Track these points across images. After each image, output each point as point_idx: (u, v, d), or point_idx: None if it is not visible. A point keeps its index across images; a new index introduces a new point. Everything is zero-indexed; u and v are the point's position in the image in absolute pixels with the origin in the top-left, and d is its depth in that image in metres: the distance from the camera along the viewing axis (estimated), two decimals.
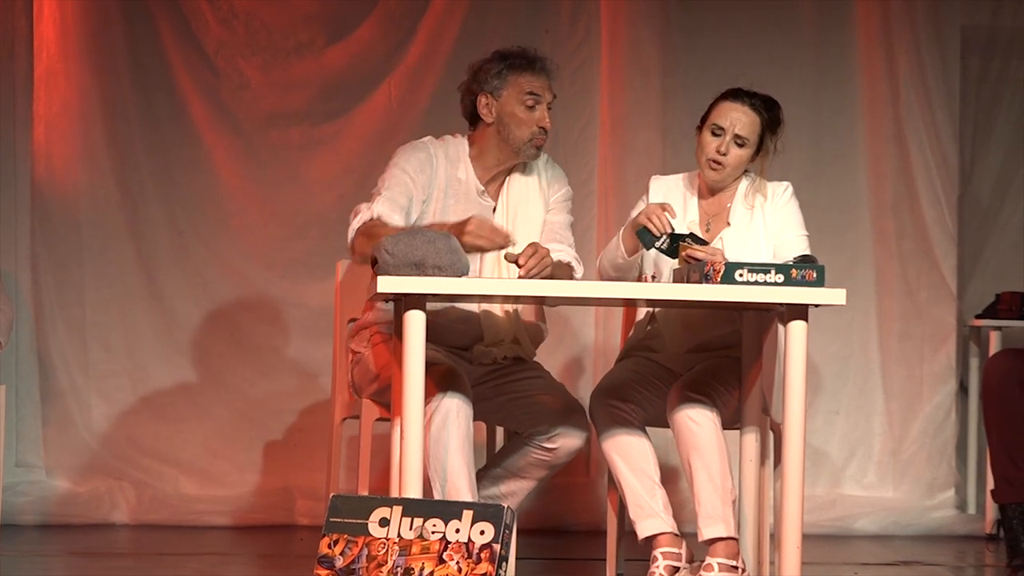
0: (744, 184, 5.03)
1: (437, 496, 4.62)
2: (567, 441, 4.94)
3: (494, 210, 5.00)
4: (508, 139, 4.94)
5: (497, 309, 4.98)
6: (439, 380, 4.67)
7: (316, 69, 7.01)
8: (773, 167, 5.07)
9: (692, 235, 4.73)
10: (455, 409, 4.65)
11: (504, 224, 4.96)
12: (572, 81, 7.02)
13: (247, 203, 6.99)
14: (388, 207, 4.83)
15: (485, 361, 5.02)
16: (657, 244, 4.70)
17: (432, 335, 4.84)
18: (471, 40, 6.93)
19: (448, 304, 4.90)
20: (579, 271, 5.04)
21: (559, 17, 7.03)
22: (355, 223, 4.82)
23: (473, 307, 4.96)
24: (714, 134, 4.96)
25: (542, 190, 5.06)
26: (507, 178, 5.04)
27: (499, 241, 4.63)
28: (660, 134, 7.00)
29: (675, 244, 4.68)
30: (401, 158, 4.97)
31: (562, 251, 5.00)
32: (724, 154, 4.93)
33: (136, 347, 6.91)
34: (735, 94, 4.98)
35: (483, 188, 5.00)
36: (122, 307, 6.91)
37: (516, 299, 4.85)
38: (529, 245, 4.69)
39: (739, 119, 4.93)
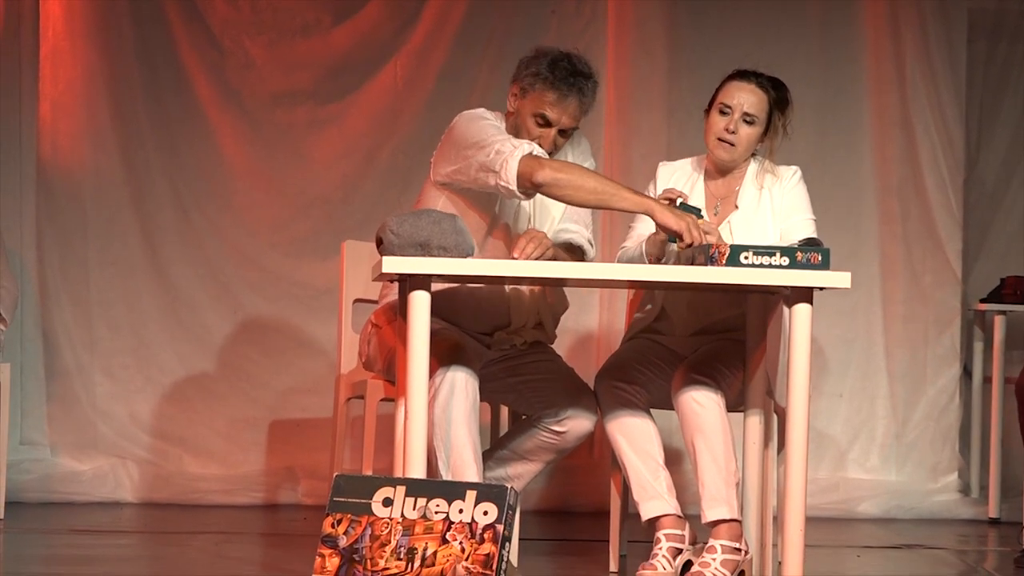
0: (753, 166, 5.03)
1: (441, 467, 4.61)
2: (576, 425, 4.93)
3: None
4: (517, 135, 4.89)
5: (524, 288, 4.96)
6: (445, 352, 4.66)
7: (322, 49, 7.00)
8: (779, 150, 5.07)
9: (684, 205, 4.70)
10: (461, 382, 4.64)
11: (531, 204, 4.93)
12: None
13: (252, 182, 6.99)
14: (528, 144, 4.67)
15: (504, 347, 5.03)
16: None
17: (456, 318, 4.85)
18: (477, 20, 6.93)
19: (475, 286, 4.89)
20: (591, 253, 5.03)
21: None
22: (516, 152, 4.59)
23: (500, 287, 4.94)
24: (722, 113, 4.95)
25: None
26: None
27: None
28: (665, 115, 6.99)
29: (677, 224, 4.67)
30: (482, 119, 4.80)
31: (577, 232, 4.99)
32: (733, 132, 4.93)
33: (141, 325, 6.92)
34: (742, 74, 4.98)
35: None
36: (127, 285, 6.92)
37: (522, 280, 4.85)
38: (526, 232, 4.69)
39: (747, 98, 4.92)
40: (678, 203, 4.71)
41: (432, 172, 4.91)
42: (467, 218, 4.70)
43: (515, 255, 4.63)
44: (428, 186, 4.95)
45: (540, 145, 4.77)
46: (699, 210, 4.73)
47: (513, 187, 4.60)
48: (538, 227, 4.94)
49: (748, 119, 4.94)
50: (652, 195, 5.04)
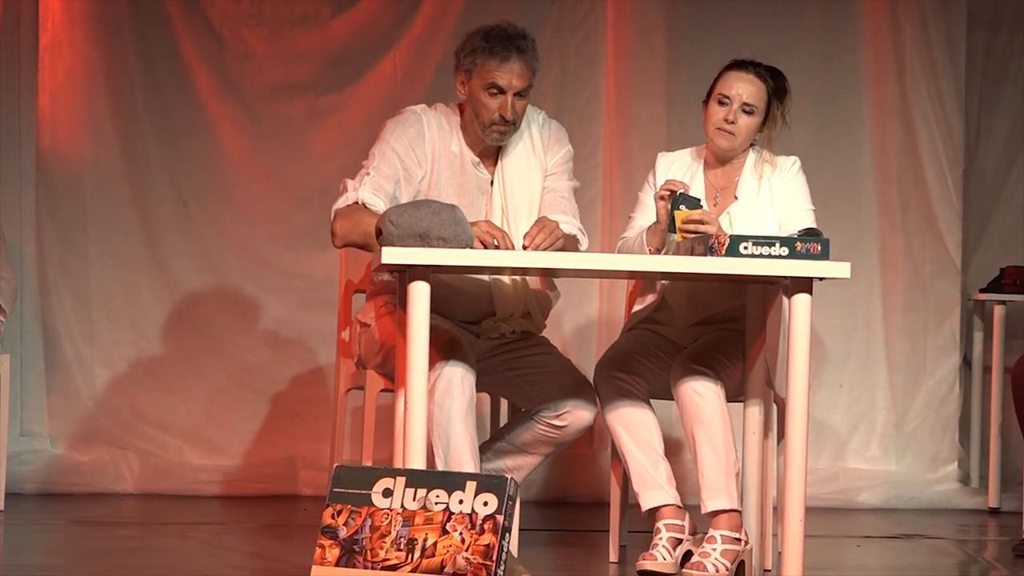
0: (752, 157, 5.03)
1: (439, 463, 4.61)
2: (576, 418, 4.92)
3: (491, 183, 4.97)
4: (475, 121, 4.90)
5: (506, 279, 4.96)
6: (442, 347, 4.66)
7: (321, 40, 7.00)
8: (778, 141, 5.07)
9: (683, 195, 4.70)
10: (458, 376, 4.64)
11: (502, 198, 4.94)
12: (577, 53, 7.01)
13: (251, 174, 6.99)
14: (372, 191, 4.80)
15: (492, 336, 5.01)
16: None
17: (441, 308, 4.84)
18: (476, 10, 6.92)
19: (458, 276, 4.89)
20: (584, 243, 5.01)
21: None
22: (338, 203, 4.82)
23: (484, 277, 4.94)
24: (721, 103, 4.95)
25: (537, 156, 5.00)
26: (501, 148, 5.00)
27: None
28: (665, 105, 6.99)
29: (671, 216, 4.67)
30: (392, 135, 4.91)
31: (568, 222, 4.95)
32: (732, 122, 4.93)
33: (140, 317, 6.92)
34: (740, 64, 4.98)
35: (477, 160, 4.95)
36: (126, 277, 6.92)
37: (522, 271, 4.84)
38: (537, 221, 4.68)
39: (745, 88, 4.93)
40: (679, 194, 4.71)
41: None
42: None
43: (525, 244, 4.62)
44: None
45: (501, 114, 4.82)
46: (699, 200, 4.73)
47: (330, 222, 4.88)
48: (513, 222, 4.93)
49: (747, 109, 4.94)
50: (653, 185, 5.06)
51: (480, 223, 4.59)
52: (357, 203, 4.79)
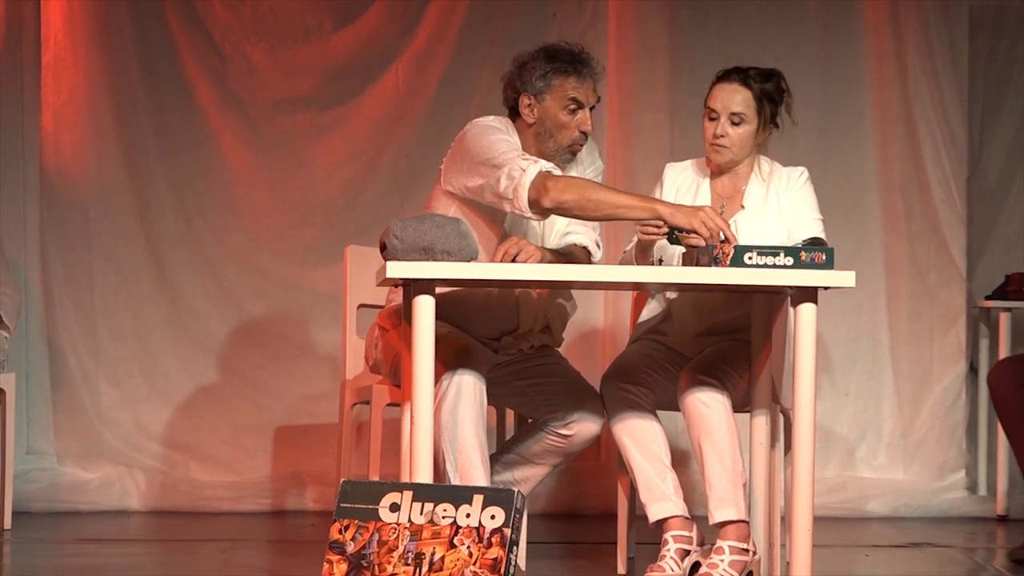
0: (755, 165, 5.03)
1: (449, 469, 4.61)
2: (583, 428, 4.93)
3: None
4: (548, 142, 4.89)
5: (532, 291, 4.97)
6: (453, 355, 4.66)
7: (323, 54, 7.00)
8: (779, 147, 5.07)
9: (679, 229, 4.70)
10: (469, 385, 4.64)
11: None
12: None
13: (254, 189, 6.99)
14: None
15: (511, 352, 5.03)
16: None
17: (464, 323, 4.85)
18: (479, 24, 6.92)
19: (487, 289, 4.89)
20: (597, 255, 5.03)
21: (566, 0, 7.02)
22: (524, 179, 4.62)
23: (510, 291, 4.94)
24: (711, 119, 4.97)
25: (576, 170, 5.02)
26: None
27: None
28: (667, 115, 6.99)
29: (672, 232, 4.67)
30: (496, 131, 4.83)
31: (583, 233, 4.99)
32: (722, 136, 4.94)
33: (145, 333, 6.92)
34: (725, 75, 4.99)
35: None
36: (131, 293, 6.92)
37: (526, 284, 4.85)
38: (507, 239, 4.71)
39: (731, 98, 4.93)
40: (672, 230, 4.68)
41: (443, 180, 4.92)
42: (477, 229, 4.75)
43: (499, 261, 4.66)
44: (438, 192, 4.95)
45: (582, 129, 4.85)
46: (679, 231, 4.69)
47: (529, 214, 4.67)
48: (545, 233, 4.96)
49: (735, 120, 4.94)
50: (659, 196, 5.06)
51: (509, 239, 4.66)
52: (543, 171, 4.64)
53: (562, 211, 4.65)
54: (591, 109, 4.91)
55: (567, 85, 4.87)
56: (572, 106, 4.87)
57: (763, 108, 4.96)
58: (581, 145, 4.92)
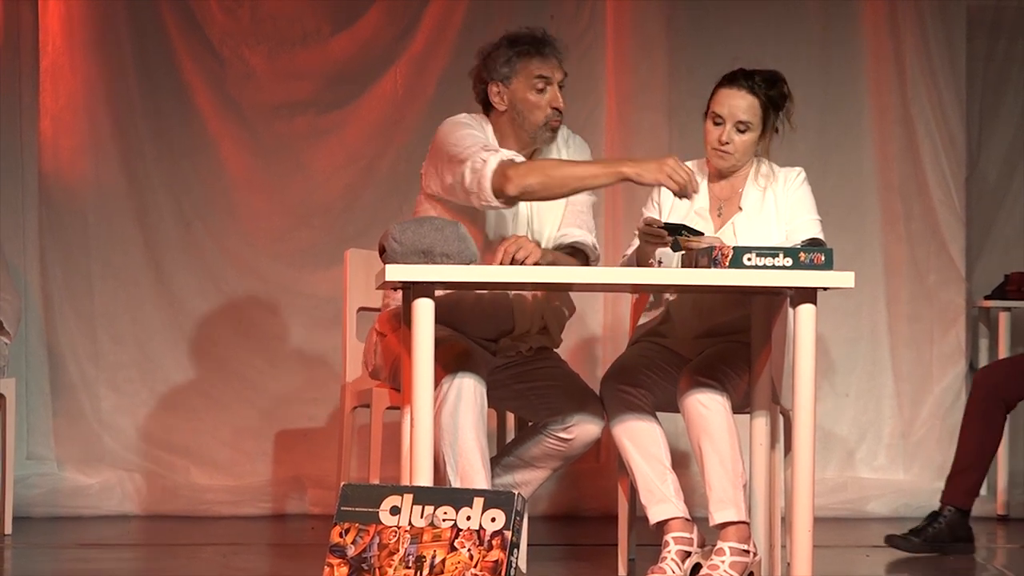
0: (755, 167, 5.03)
1: (450, 472, 4.61)
2: (583, 431, 4.92)
3: None
4: (523, 125, 4.90)
5: (527, 293, 4.97)
6: (454, 358, 4.66)
7: (321, 58, 7.00)
8: (779, 149, 5.07)
9: (684, 227, 4.70)
10: (469, 387, 4.64)
11: (528, 211, 4.94)
12: (578, 65, 6.98)
13: (253, 193, 6.99)
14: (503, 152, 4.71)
15: (510, 354, 5.02)
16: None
17: (460, 324, 4.85)
18: (477, 26, 6.92)
19: (479, 292, 4.89)
20: (595, 256, 5.03)
21: (564, 2, 7.02)
22: (486, 170, 4.63)
23: (504, 292, 4.94)
24: (715, 123, 4.96)
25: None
26: (530, 158, 4.96)
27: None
28: (666, 116, 6.99)
29: (676, 239, 4.67)
30: (464, 126, 4.85)
31: (580, 235, 4.99)
32: (727, 143, 4.93)
33: (145, 337, 6.92)
34: (731, 79, 4.97)
35: None
36: (130, 297, 6.92)
37: (525, 286, 4.84)
38: (507, 239, 4.70)
39: (737, 104, 4.92)
40: (681, 226, 4.68)
41: (423, 184, 4.94)
42: None
43: (499, 260, 4.65)
44: (421, 198, 4.96)
45: (553, 105, 4.84)
46: (683, 228, 4.69)
47: (496, 204, 4.67)
48: (537, 234, 4.95)
49: (741, 127, 4.94)
50: (656, 200, 5.07)
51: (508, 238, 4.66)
52: (505, 160, 4.66)
53: (529, 195, 4.65)
54: (560, 87, 4.90)
55: (531, 65, 4.88)
56: (540, 84, 4.87)
57: (768, 115, 4.96)
58: (558, 121, 4.90)
